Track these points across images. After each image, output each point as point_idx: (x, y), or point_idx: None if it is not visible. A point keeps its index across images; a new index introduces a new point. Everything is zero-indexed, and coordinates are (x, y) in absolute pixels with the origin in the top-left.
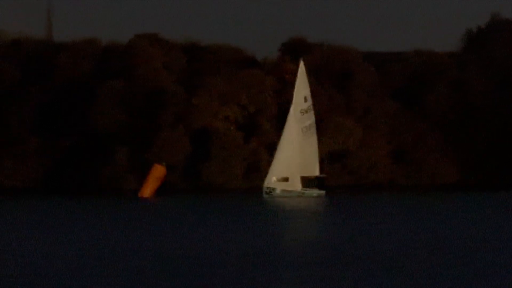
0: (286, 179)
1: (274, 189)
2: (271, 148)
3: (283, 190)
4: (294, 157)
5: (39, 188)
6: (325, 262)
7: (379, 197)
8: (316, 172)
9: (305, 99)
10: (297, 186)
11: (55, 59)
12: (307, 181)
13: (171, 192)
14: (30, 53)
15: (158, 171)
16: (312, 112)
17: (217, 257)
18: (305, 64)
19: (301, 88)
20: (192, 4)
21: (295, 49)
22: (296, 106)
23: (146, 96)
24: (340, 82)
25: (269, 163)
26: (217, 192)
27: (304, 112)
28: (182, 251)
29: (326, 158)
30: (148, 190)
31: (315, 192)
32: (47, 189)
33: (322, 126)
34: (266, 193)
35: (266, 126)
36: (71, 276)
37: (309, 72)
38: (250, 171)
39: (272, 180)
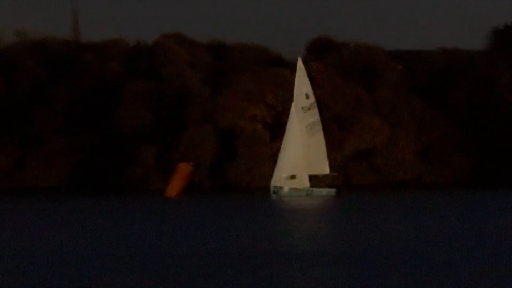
0: (293, 177)
1: (281, 187)
2: None
3: (291, 189)
4: (300, 155)
5: (65, 188)
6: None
7: (403, 194)
8: (326, 170)
9: (307, 96)
10: (305, 184)
11: (81, 59)
12: (318, 180)
13: (197, 191)
14: (56, 53)
15: (184, 171)
16: (316, 109)
17: (239, 256)
18: (303, 62)
19: (301, 85)
20: (218, 3)
21: (321, 48)
22: (297, 103)
23: (173, 95)
24: (366, 80)
25: None
26: (243, 191)
27: (306, 109)
28: (203, 250)
29: (353, 157)
30: (174, 189)
31: (324, 190)
32: (73, 189)
33: (349, 125)
34: (274, 192)
35: None
36: (95, 275)
37: (336, 71)
38: None
39: (279, 178)
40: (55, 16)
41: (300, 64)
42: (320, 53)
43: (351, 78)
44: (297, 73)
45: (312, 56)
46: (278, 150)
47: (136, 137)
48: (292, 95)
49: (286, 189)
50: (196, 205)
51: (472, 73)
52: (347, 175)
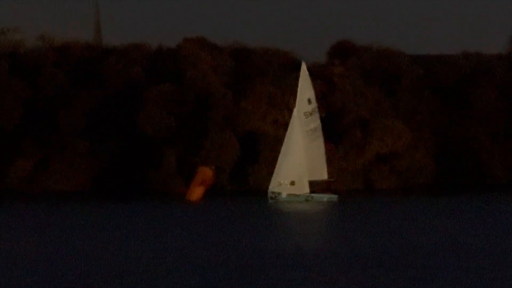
0: (293, 183)
1: (279, 193)
2: None
3: (290, 195)
4: (300, 160)
5: (87, 192)
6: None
7: (422, 199)
8: (325, 176)
9: (309, 101)
10: (305, 190)
11: (104, 63)
12: (319, 185)
13: (219, 195)
14: (79, 58)
15: (205, 174)
16: (317, 114)
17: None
18: (307, 65)
19: (305, 90)
20: (241, 8)
21: (343, 52)
22: (299, 108)
23: (195, 99)
24: (388, 85)
25: None
26: (265, 195)
27: (308, 114)
28: (219, 255)
29: (375, 160)
30: (195, 193)
31: (325, 196)
32: (96, 192)
33: (370, 129)
34: (271, 198)
35: None
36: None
37: (357, 75)
38: None
39: (277, 184)
40: (78, 20)
41: (304, 69)
42: (342, 57)
43: (373, 82)
44: (301, 78)
45: (334, 60)
46: None
47: (158, 141)
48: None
49: (284, 195)
50: (219, 209)
51: (495, 77)
52: (369, 179)
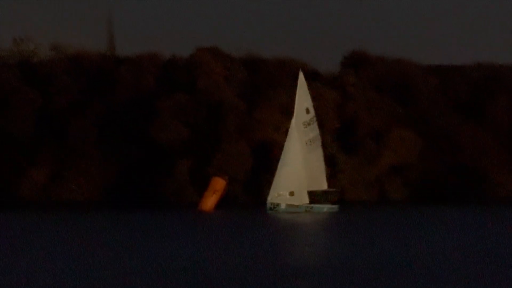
0: (292, 194)
1: (278, 204)
2: (332, 162)
3: (289, 205)
4: (299, 171)
5: (100, 201)
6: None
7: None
8: (324, 186)
9: (307, 111)
10: (304, 200)
11: (117, 73)
12: (323, 195)
13: (232, 205)
14: (92, 67)
15: (217, 184)
16: (316, 124)
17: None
18: (305, 75)
19: (302, 100)
20: (254, 17)
21: (357, 62)
22: (297, 118)
23: (208, 109)
24: (401, 95)
25: (330, 177)
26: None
27: (306, 124)
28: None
29: (388, 171)
30: (208, 203)
31: (325, 207)
32: (108, 202)
33: (383, 139)
34: (271, 209)
35: (327, 139)
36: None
37: (371, 85)
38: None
39: (276, 195)
40: (91, 30)
41: (301, 78)
42: (355, 67)
43: (386, 93)
44: (298, 87)
45: (347, 70)
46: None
47: (171, 151)
48: (328, 108)
49: (283, 206)
50: (231, 219)
51: (508, 88)
52: (382, 190)
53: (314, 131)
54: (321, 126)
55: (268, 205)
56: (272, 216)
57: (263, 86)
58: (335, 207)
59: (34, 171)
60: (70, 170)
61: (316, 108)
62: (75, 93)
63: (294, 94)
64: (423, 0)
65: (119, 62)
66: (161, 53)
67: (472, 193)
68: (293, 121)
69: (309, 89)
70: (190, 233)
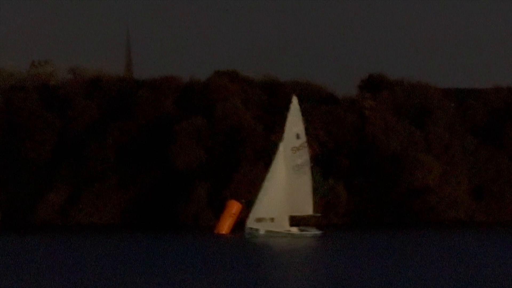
0: (272, 220)
1: (257, 230)
2: (350, 185)
3: (268, 231)
4: (281, 197)
5: (117, 225)
6: None
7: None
8: (310, 211)
9: (298, 136)
10: (284, 226)
11: (135, 96)
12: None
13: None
14: (110, 90)
15: (234, 207)
16: (306, 149)
17: None
18: (301, 100)
19: (293, 125)
20: (271, 41)
21: (374, 85)
22: (287, 143)
23: (226, 133)
24: (419, 118)
25: (348, 201)
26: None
27: (296, 150)
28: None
29: (405, 194)
30: (224, 226)
31: (309, 232)
32: (126, 225)
33: (402, 163)
34: (249, 233)
35: (345, 163)
36: None
37: (388, 108)
38: (329, 208)
39: (255, 220)
40: (109, 53)
41: (295, 104)
42: (373, 90)
43: (404, 116)
44: (290, 112)
45: (365, 93)
46: (330, 188)
47: (189, 174)
48: (345, 132)
49: (262, 231)
50: (246, 242)
51: None
52: (399, 213)
53: (303, 157)
54: (338, 149)
55: (247, 230)
56: (289, 240)
57: (281, 110)
58: (318, 232)
59: (52, 194)
60: (88, 193)
61: (333, 132)
62: (94, 116)
63: (312, 117)
64: (441, 24)
65: (137, 85)
66: (179, 76)
67: (491, 216)
68: (281, 145)
69: (326, 112)
70: (199, 257)
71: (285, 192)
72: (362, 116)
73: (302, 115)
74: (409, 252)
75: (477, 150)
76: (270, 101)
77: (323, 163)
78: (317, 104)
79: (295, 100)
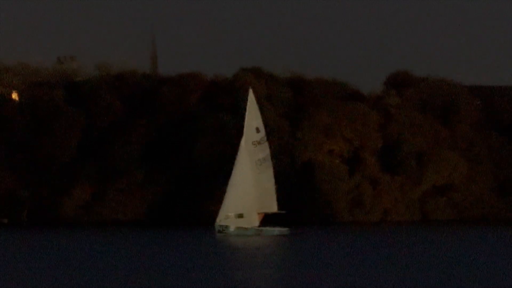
0: (241, 216)
1: (227, 226)
2: (375, 183)
3: (238, 228)
4: (249, 192)
5: (142, 221)
6: None
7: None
8: (274, 208)
9: (257, 130)
10: (254, 223)
11: (160, 93)
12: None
13: (274, 223)
14: (135, 87)
15: None
16: (267, 143)
17: None
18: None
19: (252, 119)
20: (297, 38)
21: (400, 82)
22: (247, 137)
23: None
24: (445, 115)
25: (373, 198)
26: (321, 225)
27: (256, 143)
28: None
29: (431, 192)
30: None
31: (276, 230)
32: (151, 222)
33: (427, 160)
34: (219, 231)
35: (370, 160)
36: None
37: (414, 106)
38: (354, 205)
39: (224, 217)
40: (135, 49)
41: (251, 97)
42: (398, 88)
43: (430, 114)
44: (248, 106)
45: (390, 90)
46: (356, 186)
47: (213, 171)
48: (370, 129)
49: (232, 228)
50: (269, 238)
51: None
52: (425, 210)
53: (264, 151)
54: (364, 146)
55: (217, 228)
56: (317, 236)
57: (306, 107)
58: (285, 230)
59: (77, 191)
60: (113, 189)
61: (358, 129)
62: (119, 113)
63: (337, 114)
64: (466, 21)
65: (162, 82)
66: (204, 73)
67: None
68: (243, 140)
69: (352, 109)
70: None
71: (251, 187)
72: (387, 113)
73: (328, 112)
74: (432, 251)
75: (502, 148)
76: (295, 98)
77: (349, 160)
78: (343, 101)
79: (251, 94)
